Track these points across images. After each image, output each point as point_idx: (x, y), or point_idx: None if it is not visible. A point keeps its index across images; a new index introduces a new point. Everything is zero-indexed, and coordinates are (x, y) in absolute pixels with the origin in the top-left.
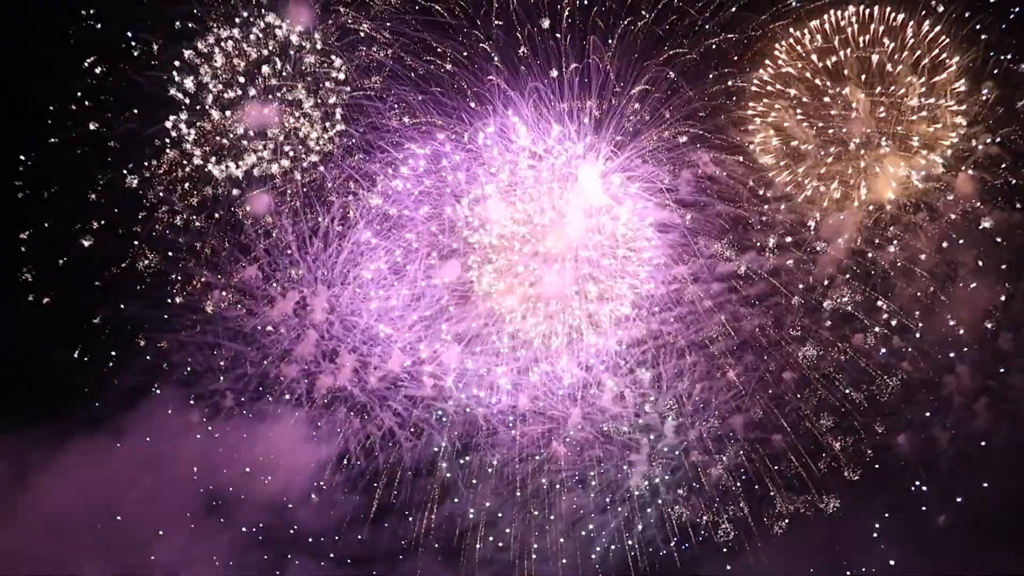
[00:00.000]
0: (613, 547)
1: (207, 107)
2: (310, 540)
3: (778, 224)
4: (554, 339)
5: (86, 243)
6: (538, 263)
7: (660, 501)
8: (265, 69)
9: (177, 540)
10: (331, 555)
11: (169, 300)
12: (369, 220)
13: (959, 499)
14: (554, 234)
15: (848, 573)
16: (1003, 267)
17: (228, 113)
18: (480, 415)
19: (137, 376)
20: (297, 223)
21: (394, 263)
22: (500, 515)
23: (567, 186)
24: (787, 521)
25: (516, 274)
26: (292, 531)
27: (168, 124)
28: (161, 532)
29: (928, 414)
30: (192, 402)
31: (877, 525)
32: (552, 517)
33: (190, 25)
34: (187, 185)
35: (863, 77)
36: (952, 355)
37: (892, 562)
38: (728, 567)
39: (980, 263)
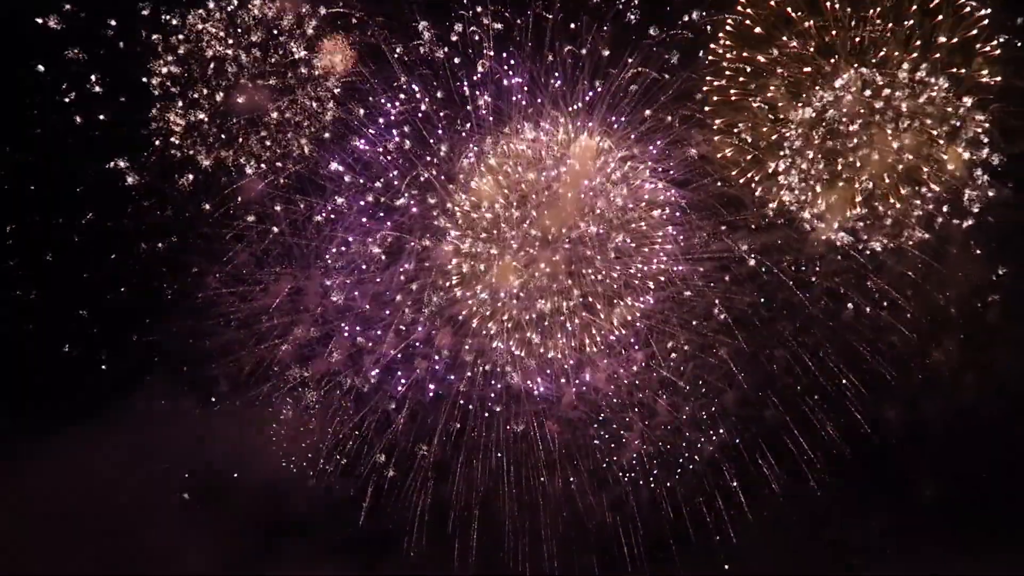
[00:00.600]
0: (606, 525)
1: (195, 95)
2: (304, 525)
3: (769, 203)
4: (548, 320)
5: (76, 237)
6: (532, 245)
7: (652, 479)
8: (255, 54)
9: (170, 527)
10: (325, 539)
11: (160, 289)
12: (362, 208)
13: (947, 472)
14: (549, 215)
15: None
16: (992, 244)
17: (218, 99)
18: (474, 397)
19: (127, 365)
20: (289, 208)
21: (386, 246)
22: (493, 496)
23: (561, 167)
24: (779, 497)
25: (509, 255)
26: (286, 516)
27: (154, 112)
28: (153, 520)
29: (917, 389)
30: (184, 389)
31: (865, 499)
32: (545, 497)
33: (175, 11)
34: (176, 175)
35: (853, 53)
36: (941, 331)
37: (880, 535)
38: (719, 543)
39: (970, 240)
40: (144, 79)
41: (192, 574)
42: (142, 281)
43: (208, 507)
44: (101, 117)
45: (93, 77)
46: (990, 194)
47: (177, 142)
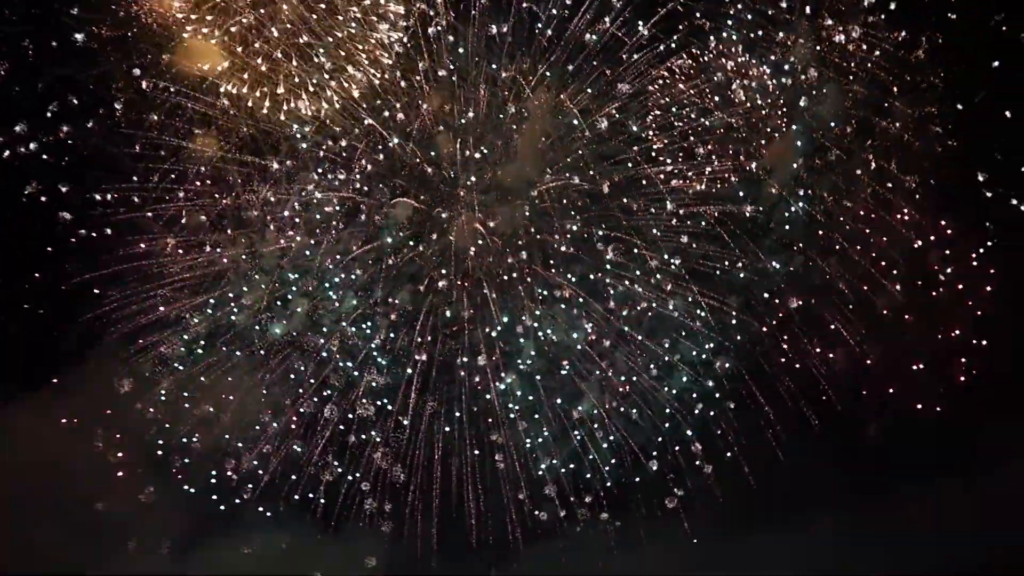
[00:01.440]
0: (565, 477)
1: (139, 59)
2: (263, 488)
3: (726, 153)
4: (507, 275)
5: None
6: (490, 200)
7: (611, 429)
8: (203, 13)
9: (127, 495)
10: (285, 503)
11: (109, 258)
12: (318, 168)
13: (887, 412)
14: (507, 170)
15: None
16: (935, 189)
17: (165, 58)
18: (435, 354)
19: (79, 334)
20: (243, 171)
21: (345, 203)
22: (453, 452)
23: (519, 119)
24: (734, 447)
25: (468, 211)
26: (245, 480)
27: (96, 76)
28: (110, 488)
29: (861, 330)
30: (138, 355)
31: (817, 442)
32: (502, 451)
33: None
34: (122, 142)
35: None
36: (888, 279)
37: (830, 476)
38: (677, 491)
39: (914, 187)
40: (78, 38)
41: (148, 543)
42: (90, 251)
43: (165, 473)
44: (40, 86)
45: (27, 43)
46: (935, 142)
47: (120, 108)
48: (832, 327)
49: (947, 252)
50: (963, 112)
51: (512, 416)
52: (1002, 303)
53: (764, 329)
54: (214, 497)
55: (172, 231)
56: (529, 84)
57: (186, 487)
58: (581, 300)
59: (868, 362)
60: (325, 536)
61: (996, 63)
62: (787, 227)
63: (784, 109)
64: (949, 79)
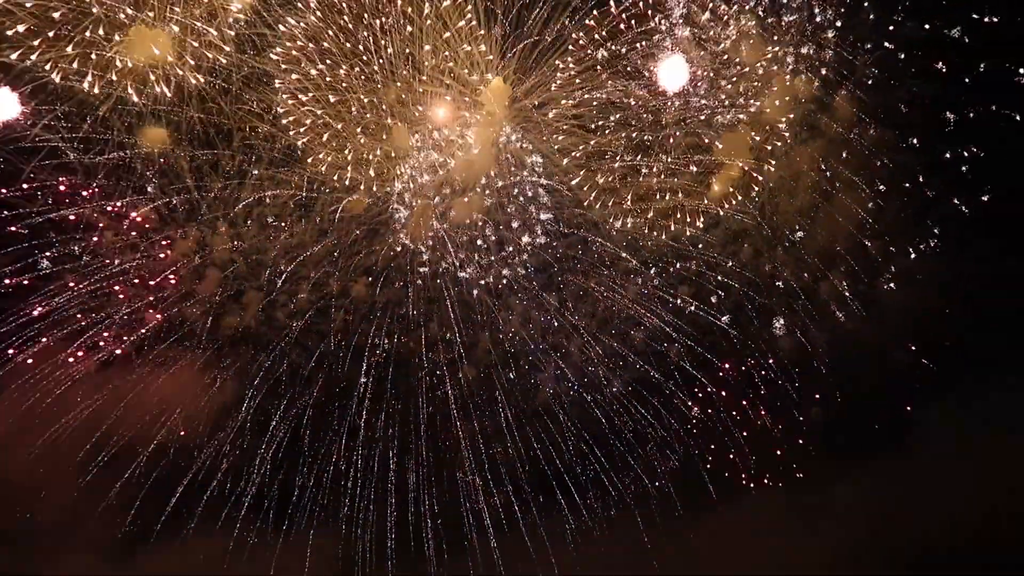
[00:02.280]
0: (522, 466)
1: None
2: (213, 484)
3: (677, 147)
4: (461, 266)
5: None
6: (447, 194)
7: (565, 416)
8: None
9: (64, 498)
10: (234, 499)
11: (54, 247)
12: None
13: (832, 396)
14: (463, 164)
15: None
16: (876, 182)
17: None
18: (393, 347)
19: (21, 331)
20: (194, 159)
21: (299, 198)
22: (408, 444)
23: (474, 114)
24: (682, 434)
25: (425, 206)
26: (193, 477)
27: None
28: (54, 489)
29: (805, 319)
30: (83, 352)
31: (762, 424)
32: (460, 439)
33: None
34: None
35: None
36: (829, 266)
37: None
38: (631, 473)
39: (856, 178)
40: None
41: (95, 544)
42: (32, 248)
43: (109, 473)
44: None
45: None
46: (875, 134)
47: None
48: (779, 317)
49: (891, 248)
50: (908, 114)
51: (467, 410)
52: (941, 296)
53: (713, 320)
54: (164, 497)
55: (121, 226)
56: (486, 77)
57: (135, 487)
58: (536, 293)
59: (812, 349)
60: (278, 536)
61: (940, 65)
62: (737, 219)
63: (735, 105)
64: (894, 81)
